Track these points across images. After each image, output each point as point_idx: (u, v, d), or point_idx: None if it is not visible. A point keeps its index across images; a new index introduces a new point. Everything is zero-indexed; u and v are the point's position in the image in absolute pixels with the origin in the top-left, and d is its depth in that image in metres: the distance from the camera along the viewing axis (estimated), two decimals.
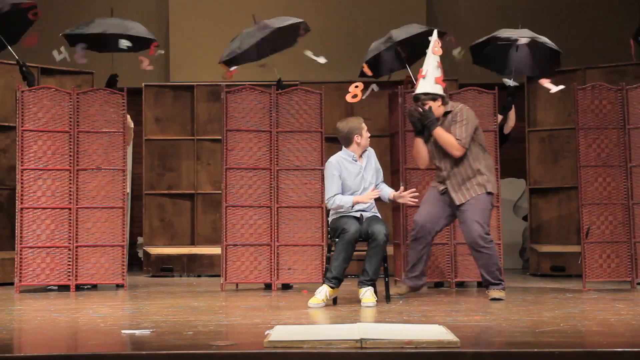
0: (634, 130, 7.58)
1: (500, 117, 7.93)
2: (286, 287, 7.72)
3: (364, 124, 6.46)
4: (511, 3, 11.51)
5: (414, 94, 6.72)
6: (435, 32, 6.87)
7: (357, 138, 6.39)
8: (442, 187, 6.69)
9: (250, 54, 8.13)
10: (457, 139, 6.54)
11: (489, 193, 6.59)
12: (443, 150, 6.64)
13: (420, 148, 6.76)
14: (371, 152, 6.54)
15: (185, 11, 11.48)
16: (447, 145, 6.57)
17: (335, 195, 6.30)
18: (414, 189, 6.49)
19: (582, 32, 11.21)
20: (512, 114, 7.99)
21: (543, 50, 7.76)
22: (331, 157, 6.46)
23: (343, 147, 6.46)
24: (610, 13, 11.33)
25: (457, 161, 6.60)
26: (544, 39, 7.66)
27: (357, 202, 6.27)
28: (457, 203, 6.57)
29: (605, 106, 7.62)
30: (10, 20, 7.59)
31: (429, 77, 6.62)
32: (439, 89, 6.62)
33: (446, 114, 6.65)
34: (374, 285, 6.20)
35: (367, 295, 6.08)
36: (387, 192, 6.50)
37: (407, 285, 6.76)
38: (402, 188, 6.51)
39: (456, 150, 6.55)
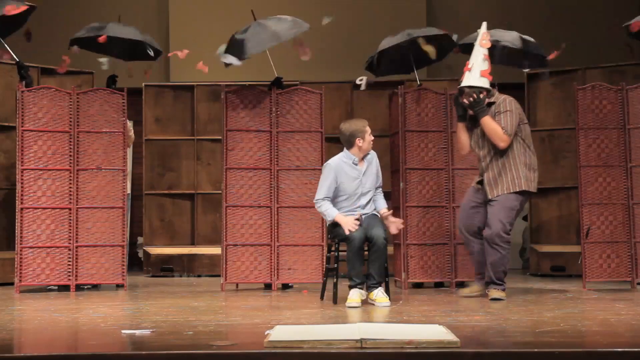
0: (634, 130, 7.58)
1: None
2: (286, 287, 7.72)
3: (368, 127, 6.35)
4: (511, 3, 11.51)
5: (459, 86, 6.65)
6: (484, 24, 6.78)
7: (359, 141, 6.31)
8: (479, 179, 6.67)
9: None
10: (502, 128, 6.45)
11: (521, 192, 6.49)
12: (484, 141, 6.58)
13: (461, 133, 6.71)
14: (374, 156, 6.45)
15: (185, 11, 11.48)
16: (493, 134, 6.47)
17: (323, 199, 6.28)
18: (401, 220, 6.44)
19: (582, 32, 11.21)
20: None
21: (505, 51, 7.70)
22: (331, 159, 6.42)
23: (344, 149, 6.41)
24: (610, 13, 11.32)
25: (496, 154, 6.53)
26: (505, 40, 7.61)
27: (338, 222, 6.17)
28: (489, 197, 6.54)
29: (605, 106, 7.62)
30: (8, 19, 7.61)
31: (475, 70, 6.56)
32: (484, 82, 6.56)
33: (490, 104, 6.57)
34: (386, 284, 6.21)
35: (380, 295, 6.09)
36: (380, 205, 6.42)
37: (478, 285, 6.74)
38: (390, 212, 6.39)
39: (501, 141, 6.46)
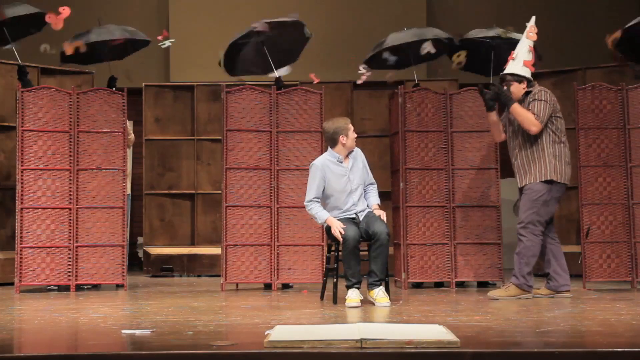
0: (634, 130, 7.58)
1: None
2: (286, 286, 7.72)
3: (350, 125, 6.40)
4: (511, 3, 11.51)
5: (501, 74, 6.79)
6: (533, 18, 6.95)
7: (342, 139, 6.34)
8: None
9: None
10: (535, 115, 6.55)
11: (548, 181, 6.53)
12: (515, 131, 6.68)
13: (492, 123, 6.85)
14: (358, 152, 6.48)
15: (185, 11, 11.48)
16: (524, 120, 6.56)
17: (312, 200, 6.32)
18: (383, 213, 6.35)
19: (582, 32, 11.21)
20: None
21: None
22: (316, 159, 6.47)
23: (329, 148, 6.45)
24: (610, 13, 11.32)
25: (525, 143, 6.62)
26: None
27: (328, 224, 6.19)
28: (519, 185, 6.65)
29: (605, 106, 7.62)
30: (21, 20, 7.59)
31: (518, 60, 6.72)
32: (526, 72, 6.70)
33: (527, 94, 6.70)
34: (386, 284, 6.20)
35: (380, 295, 6.07)
36: (372, 201, 6.42)
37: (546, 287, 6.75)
38: (381, 212, 6.33)
39: (533, 126, 6.55)
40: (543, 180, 6.53)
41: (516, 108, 6.59)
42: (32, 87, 7.60)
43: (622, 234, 7.49)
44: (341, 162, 6.38)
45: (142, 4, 11.73)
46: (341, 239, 6.07)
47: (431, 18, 11.46)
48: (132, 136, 8.22)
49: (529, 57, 6.74)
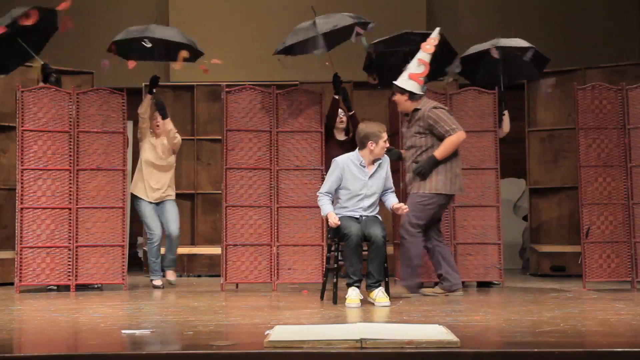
0: (634, 130, 7.58)
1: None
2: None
3: (384, 133, 6.25)
4: (511, 3, 11.51)
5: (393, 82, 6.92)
6: (437, 29, 6.96)
7: (371, 145, 6.24)
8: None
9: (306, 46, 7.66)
10: (447, 133, 6.66)
11: (435, 193, 6.71)
12: (408, 146, 6.87)
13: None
14: (385, 160, 6.37)
15: (185, 11, 11.47)
16: (451, 147, 6.72)
17: (325, 193, 6.30)
18: (406, 208, 6.35)
19: (582, 32, 11.21)
20: (506, 120, 7.89)
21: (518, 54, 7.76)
22: (341, 156, 6.40)
23: (357, 148, 6.36)
24: (610, 13, 11.33)
25: (421, 155, 6.77)
26: (515, 44, 7.70)
27: (327, 219, 6.21)
28: (410, 190, 6.86)
29: (605, 106, 7.62)
30: (34, 28, 7.40)
31: (406, 72, 6.80)
32: (411, 85, 6.75)
33: (416, 110, 6.77)
34: (386, 284, 6.20)
35: (380, 295, 6.06)
36: (391, 201, 6.37)
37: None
38: (400, 205, 6.33)
39: (457, 138, 6.70)
40: (433, 192, 6.71)
41: (439, 155, 6.69)
42: (32, 87, 7.60)
43: (622, 234, 7.49)
44: (364, 167, 6.28)
45: (142, 3, 11.73)
46: (335, 225, 6.09)
47: (431, 18, 11.46)
48: (178, 139, 8.03)
49: (419, 70, 6.74)
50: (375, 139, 6.22)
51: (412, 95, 6.75)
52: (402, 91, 6.76)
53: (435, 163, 6.69)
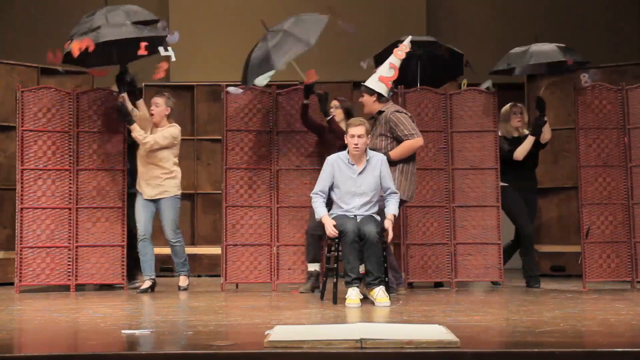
0: (634, 130, 7.58)
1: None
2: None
3: (351, 128, 6.19)
4: (511, 4, 11.50)
5: (362, 83, 6.95)
6: (408, 37, 7.04)
7: (345, 139, 6.32)
8: None
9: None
10: (406, 137, 6.72)
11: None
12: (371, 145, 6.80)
13: None
14: (378, 160, 6.33)
15: (185, 11, 11.47)
16: (408, 152, 6.78)
17: (317, 193, 6.31)
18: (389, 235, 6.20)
19: (582, 32, 11.21)
20: (546, 128, 7.75)
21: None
22: (333, 154, 6.43)
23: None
24: (610, 13, 11.33)
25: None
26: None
27: (322, 223, 6.21)
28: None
29: (605, 106, 7.62)
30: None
31: (376, 74, 6.86)
32: (380, 87, 6.81)
33: (380, 113, 6.80)
34: (385, 284, 6.18)
35: (381, 295, 6.04)
36: (388, 210, 6.28)
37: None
38: (390, 219, 6.24)
39: (416, 144, 6.78)
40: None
41: (395, 154, 6.71)
42: (32, 87, 7.58)
43: (622, 234, 7.50)
44: (352, 165, 6.29)
45: (142, 4, 11.71)
46: (334, 235, 6.10)
47: (431, 18, 11.46)
48: (149, 144, 7.39)
49: (389, 73, 6.81)
50: (347, 134, 6.29)
51: (379, 97, 6.83)
52: (372, 92, 6.83)
53: (388, 162, 6.61)
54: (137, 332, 4.48)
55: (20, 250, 7.37)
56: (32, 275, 7.39)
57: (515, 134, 7.84)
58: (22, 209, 7.40)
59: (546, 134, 7.76)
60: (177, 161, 7.62)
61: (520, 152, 7.70)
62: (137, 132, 7.37)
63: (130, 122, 7.39)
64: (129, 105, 7.45)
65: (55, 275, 7.43)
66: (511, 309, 5.80)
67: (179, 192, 7.57)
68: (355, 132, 6.19)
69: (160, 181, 7.46)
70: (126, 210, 7.62)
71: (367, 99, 6.86)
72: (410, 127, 6.76)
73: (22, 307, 6.21)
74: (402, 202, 6.66)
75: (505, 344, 4.20)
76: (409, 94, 7.82)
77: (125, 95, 7.43)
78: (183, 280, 7.64)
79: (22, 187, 7.41)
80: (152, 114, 7.55)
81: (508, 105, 7.89)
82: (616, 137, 7.58)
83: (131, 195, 7.65)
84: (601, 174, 7.54)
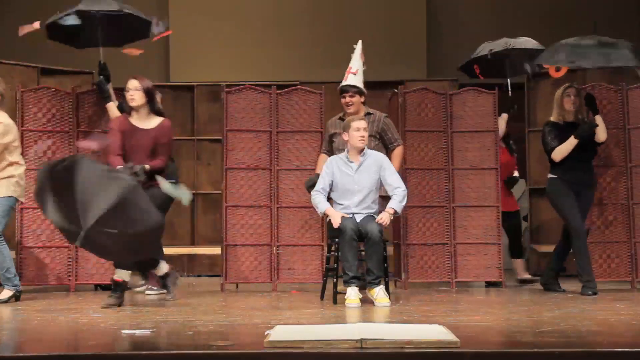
0: (634, 130, 7.58)
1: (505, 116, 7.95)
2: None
3: (354, 123, 6.27)
4: (511, 3, 11.51)
5: (341, 85, 6.96)
6: (359, 42, 7.16)
7: (345, 136, 6.36)
8: None
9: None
10: (396, 142, 6.92)
11: None
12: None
13: None
14: (377, 158, 6.35)
15: (186, 11, 11.47)
16: (402, 158, 6.97)
17: (318, 190, 6.34)
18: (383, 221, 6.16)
19: (582, 32, 11.19)
20: (601, 129, 7.05)
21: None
22: (333, 155, 6.54)
23: None
24: (610, 13, 11.33)
25: None
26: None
27: (326, 216, 6.26)
28: None
29: (605, 106, 7.62)
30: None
31: (360, 74, 6.96)
32: (362, 86, 6.95)
33: (369, 114, 6.87)
34: (386, 283, 6.18)
35: (381, 295, 6.04)
36: (389, 205, 6.22)
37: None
38: (389, 212, 6.19)
39: (403, 151, 7.00)
40: None
41: (398, 166, 6.72)
42: (32, 87, 7.58)
43: (622, 234, 7.50)
44: (351, 162, 6.32)
45: (142, 4, 11.71)
46: (337, 225, 6.10)
47: (431, 18, 11.46)
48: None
49: (362, 66, 7.00)
50: (347, 129, 6.32)
51: (364, 99, 6.98)
52: (362, 92, 6.94)
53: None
54: (137, 332, 4.48)
55: (20, 250, 7.37)
56: (32, 275, 7.38)
57: (571, 118, 7.05)
58: (22, 209, 7.39)
59: (600, 134, 7.03)
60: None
61: (558, 153, 6.96)
62: (113, 110, 7.08)
63: (107, 100, 7.16)
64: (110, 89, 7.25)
65: (55, 275, 7.42)
66: (511, 309, 5.80)
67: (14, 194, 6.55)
68: (361, 125, 6.28)
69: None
70: None
71: (358, 99, 6.94)
72: (397, 133, 7.02)
73: (22, 307, 6.21)
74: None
75: (505, 344, 4.20)
76: (409, 94, 7.82)
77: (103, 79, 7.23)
78: (4, 294, 6.45)
79: None
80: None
81: (560, 88, 7.23)
82: (616, 137, 7.57)
83: None
84: (601, 174, 7.53)
